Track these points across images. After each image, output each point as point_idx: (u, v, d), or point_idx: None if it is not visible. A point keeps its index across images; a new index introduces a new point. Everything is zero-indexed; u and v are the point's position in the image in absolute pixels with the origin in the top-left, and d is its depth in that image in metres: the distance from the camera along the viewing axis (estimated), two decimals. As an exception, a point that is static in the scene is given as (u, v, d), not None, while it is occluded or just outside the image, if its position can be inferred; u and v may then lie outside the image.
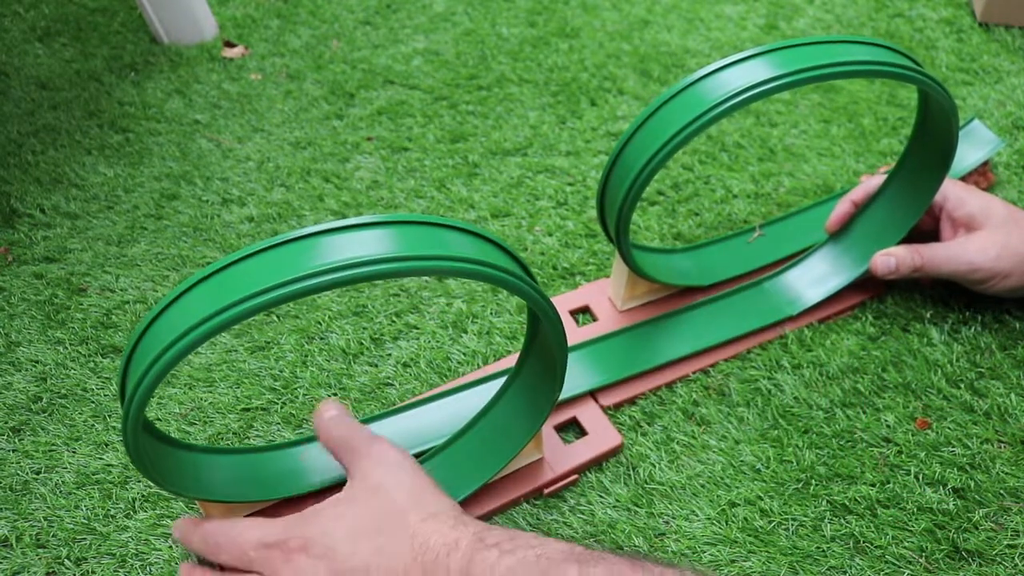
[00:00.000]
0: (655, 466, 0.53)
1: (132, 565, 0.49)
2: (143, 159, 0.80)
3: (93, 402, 0.58)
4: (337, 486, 0.50)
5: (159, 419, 0.57)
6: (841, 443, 0.54)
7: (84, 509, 0.51)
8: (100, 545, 0.50)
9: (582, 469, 0.53)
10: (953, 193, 0.59)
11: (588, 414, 0.55)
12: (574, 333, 0.60)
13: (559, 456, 0.52)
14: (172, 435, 0.50)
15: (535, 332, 0.46)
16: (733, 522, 0.50)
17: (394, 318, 0.63)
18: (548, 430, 0.54)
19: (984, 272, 0.56)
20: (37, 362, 0.61)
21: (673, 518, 0.50)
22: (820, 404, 0.56)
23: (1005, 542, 0.48)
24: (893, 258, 0.59)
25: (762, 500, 0.51)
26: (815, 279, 0.63)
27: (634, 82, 0.88)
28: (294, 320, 0.63)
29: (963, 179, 0.70)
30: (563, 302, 0.63)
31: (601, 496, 0.52)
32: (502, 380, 0.56)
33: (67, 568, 0.49)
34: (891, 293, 0.63)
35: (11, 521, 0.51)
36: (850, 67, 0.47)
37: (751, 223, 0.70)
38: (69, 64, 0.93)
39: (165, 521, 0.51)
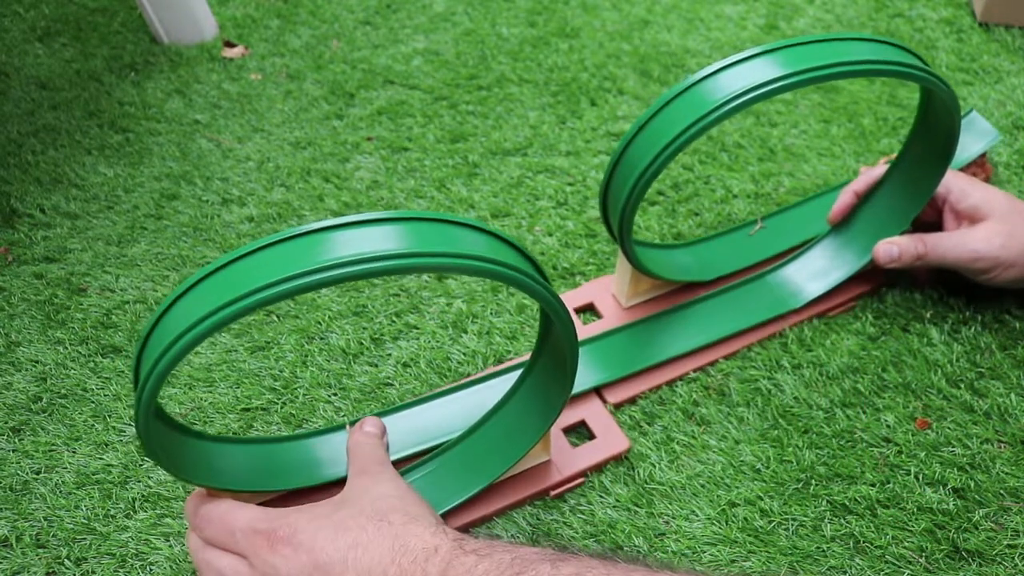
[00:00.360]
0: (655, 466, 0.53)
1: (132, 565, 0.49)
2: (143, 159, 0.80)
3: (93, 402, 0.58)
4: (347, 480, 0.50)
5: (159, 419, 0.57)
6: (841, 443, 0.54)
7: (84, 509, 0.51)
8: (100, 545, 0.50)
9: (589, 472, 0.53)
10: (956, 185, 0.59)
11: (596, 417, 0.55)
12: (579, 331, 0.60)
13: (566, 459, 0.52)
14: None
15: (547, 332, 0.46)
16: (733, 522, 0.50)
17: (394, 318, 0.63)
18: (556, 432, 0.54)
19: (987, 261, 0.56)
20: (37, 362, 0.61)
21: (673, 518, 0.50)
22: (820, 404, 0.56)
23: (1005, 542, 0.48)
24: (896, 246, 0.59)
25: (762, 500, 0.51)
26: (817, 272, 0.63)
27: (634, 82, 0.88)
28: (294, 320, 0.63)
29: (961, 171, 0.70)
30: (568, 300, 0.63)
31: (601, 496, 0.52)
32: (502, 380, 0.57)
33: (67, 568, 0.49)
34: (891, 292, 0.63)
35: (11, 521, 0.51)
36: (855, 66, 0.47)
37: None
38: (69, 64, 0.93)
39: (165, 521, 0.51)
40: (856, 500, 0.50)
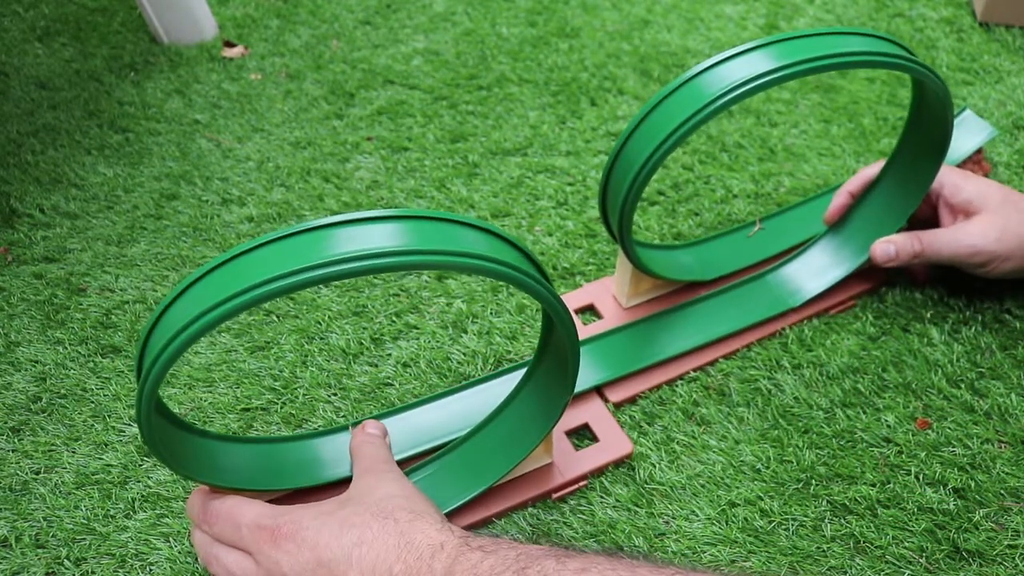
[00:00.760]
0: (655, 466, 0.53)
1: (132, 565, 0.49)
2: (143, 159, 0.80)
3: (92, 402, 0.58)
4: (350, 480, 0.50)
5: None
6: (841, 443, 0.54)
7: (84, 509, 0.51)
8: (100, 545, 0.50)
9: (591, 475, 0.53)
10: (949, 180, 0.60)
11: (599, 420, 0.55)
12: (580, 331, 0.60)
13: (569, 461, 0.52)
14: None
15: (549, 332, 0.46)
16: (733, 522, 0.50)
17: (394, 318, 0.63)
18: (558, 435, 0.54)
19: (985, 255, 0.56)
20: (37, 362, 0.61)
21: (673, 518, 0.50)
22: (820, 404, 0.56)
23: (1005, 542, 0.48)
24: (892, 245, 0.59)
25: (762, 500, 0.51)
26: (816, 270, 0.63)
27: (634, 82, 0.87)
28: (294, 320, 0.63)
29: (958, 168, 0.70)
30: (568, 301, 0.63)
31: (601, 496, 0.52)
32: (503, 381, 0.56)
33: (66, 568, 0.48)
34: (891, 292, 0.63)
35: (10, 521, 0.51)
36: (847, 58, 0.47)
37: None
38: (69, 64, 0.93)
39: (165, 521, 0.51)
40: (856, 500, 0.50)
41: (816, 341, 0.60)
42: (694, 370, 0.58)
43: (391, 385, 0.59)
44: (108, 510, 0.51)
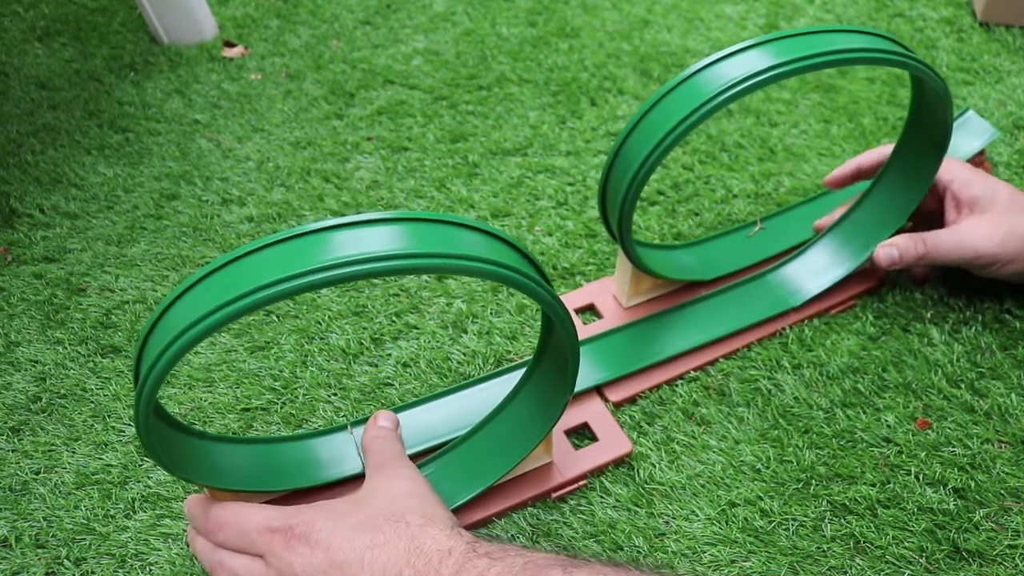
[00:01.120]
0: (655, 466, 0.53)
1: (132, 565, 0.49)
2: (143, 159, 0.80)
3: (92, 402, 0.58)
4: (349, 480, 0.50)
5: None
6: (841, 443, 0.54)
7: (83, 509, 0.51)
8: (100, 545, 0.49)
9: (591, 474, 0.53)
10: (960, 174, 0.59)
11: (599, 419, 0.55)
12: (580, 331, 0.60)
13: (569, 461, 0.52)
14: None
15: (549, 333, 0.46)
16: (733, 522, 0.50)
17: (394, 318, 0.63)
18: (558, 434, 0.54)
19: (987, 258, 0.56)
20: (36, 362, 0.61)
21: (673, 518, 0.50)
22: (820, 404, 0.56)
23: (1006, 542, 0.48)
24: (895, 249, 0.58)
25: (762, 500, 0.51)
26: (816, 270, 0.63)
27: (634, 82, 0.87)
28: (294, 320, 0.63)
29: None
30: (568, 301, 0.63)
31: (601, 496, 0.52)
32: (503, 380, 0.56)
33: (66, 568, 0.48)
34: (891, 292, 0.63)
35: (10, 521, 0.51)
36: (846, 55, 0.47)
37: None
38: (69, 64, 0.93)
39: (165, 521, 0.51)
40: (856, 500, 0.50)
41: (816, 341, 0.60)
42: (694, 370, 0.58)
43: (391, 385, 0.59)
44: (108, 510, 0.51)
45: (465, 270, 0.36)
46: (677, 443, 0.54)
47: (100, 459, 0.54)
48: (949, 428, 0.54)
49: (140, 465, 0.54)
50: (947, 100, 0.53)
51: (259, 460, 0.49)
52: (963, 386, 0.56)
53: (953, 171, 0.59)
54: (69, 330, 0.63)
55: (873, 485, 0.51)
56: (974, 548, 0.48)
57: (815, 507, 0.50)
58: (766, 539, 0.49)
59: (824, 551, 0.48)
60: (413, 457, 0.52)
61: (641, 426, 0.55)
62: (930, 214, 0.62)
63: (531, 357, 0.49)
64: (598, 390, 0.57)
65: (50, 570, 0.49)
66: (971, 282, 0.62)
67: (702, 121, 0.47)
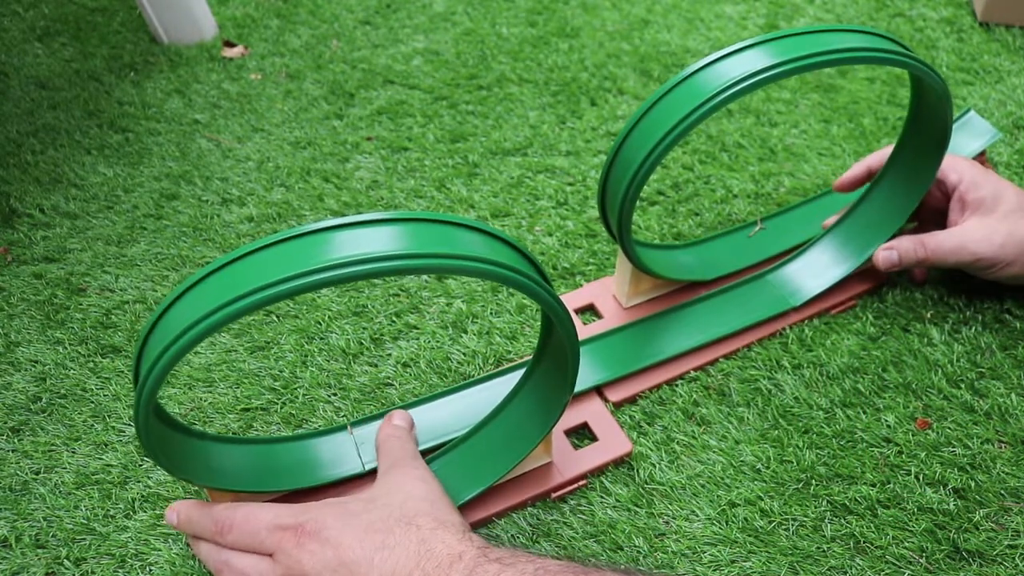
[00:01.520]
0: (655, 466, 0.53)
1: (132, 565, 0.49)
2: (143, 159, 0.80)
3: (92, 402, 0.58)
4: (349, 480, 0.50)
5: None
6: (841, 443, 0.54)
7: (83, 509, 0.51)
8: (100, 545, 0.49)
9: (591, 474, 0.53)
10: (969, 174, 0.59)
11: (599, 419, 0.55)
12: (580, 331, 0.60)
13: (568, 461, 0.52)
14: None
15: (548, 333, 0.46)
16: (733, 522, 0.50)
17: (394, 318, 0.63)
18: (558, 434, 0.54)
19: (988, 261, 0.57)
20: (36, 362, 0.61)
21: (673, 518, 0.50)
22: (820, 404, 0.56)
23: (1006, 542, 0.48)
24: (895, 251, 0.59)
25: (762, 500, 0.51)
26: (816, 270, 0.63)
27: (634, 82, 0.87)
28: (294, 320, 0.63)
29: None
30: (568, 301, 0.63)
31: (601, 496, 0.52)
32: (503, 380, 0.56)
33: (66, 568, 0.48)
34: (891, 292, 0.63)
35: (10, 521, 0.51)
36: (845, 54, 0.47)
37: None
38: (69, 64, 0.93)
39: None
40: (856, 500, 0.50)
41: (816, 341, 0.60)
42: (694, 370, 0.58)
43: (391, 385, 0.59)
44: (108, 510, 0.51)
45: (465, 270, 0.36)
46: (677, 443, 0.54)
47: (100, 459, 0.54)
48: (949, 428, 0.54)
49: (140, 465, 0.54)
50: (947, 100, 0.53)
51: (259, 460, 0.49)
52: (963, 386, 0.56)
53: (963, 171, 0.59)
54: (69, 330, 0.63)
55: (873, 485, 0.51)
56: (974, 548, 0.48)
57: (815, 507, 0.50)
58: (766, 539, 0.49)
59: (824, 551, 0.48)
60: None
61: (641, 426, 0.55)
62: (935, 210, 0.62)
63: (531, 357, 0.49)
64: (598, 390, 0.57)
65: (50, 570, 0.49)
66: (971, 282, 0.62)
67: (702, 121, 0.47)
